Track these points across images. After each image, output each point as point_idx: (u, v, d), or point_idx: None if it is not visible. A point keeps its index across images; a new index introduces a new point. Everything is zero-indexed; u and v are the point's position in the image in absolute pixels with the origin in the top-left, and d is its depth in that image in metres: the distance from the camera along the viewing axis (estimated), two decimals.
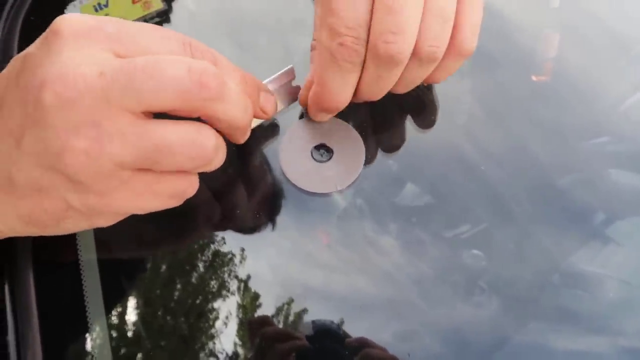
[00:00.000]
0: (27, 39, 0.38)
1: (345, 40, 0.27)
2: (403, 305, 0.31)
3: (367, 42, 0.28)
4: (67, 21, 0.24)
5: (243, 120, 0.27)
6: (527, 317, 0.31)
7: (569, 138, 0.37)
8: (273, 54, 0.39)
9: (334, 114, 0.33)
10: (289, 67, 0.33)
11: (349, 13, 0.27)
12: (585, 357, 0.30)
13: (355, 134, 0.34)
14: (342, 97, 0.30)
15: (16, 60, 0.25)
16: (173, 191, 0.26)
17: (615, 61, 0.41)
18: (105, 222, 0.27)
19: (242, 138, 0.29)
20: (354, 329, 0.30)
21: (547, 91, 0.39)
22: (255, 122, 0.33)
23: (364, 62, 0.29)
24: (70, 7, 0.39)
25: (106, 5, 0.40)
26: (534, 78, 0.39)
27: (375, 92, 0.31)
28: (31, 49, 0.25)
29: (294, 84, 0.33)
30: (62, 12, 0.39)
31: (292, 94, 0.34)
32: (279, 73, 0.33)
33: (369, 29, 0.27)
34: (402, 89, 0.32)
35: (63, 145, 0.23)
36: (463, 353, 0.30)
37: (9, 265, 0.31)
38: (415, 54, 0.28)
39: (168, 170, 0.25)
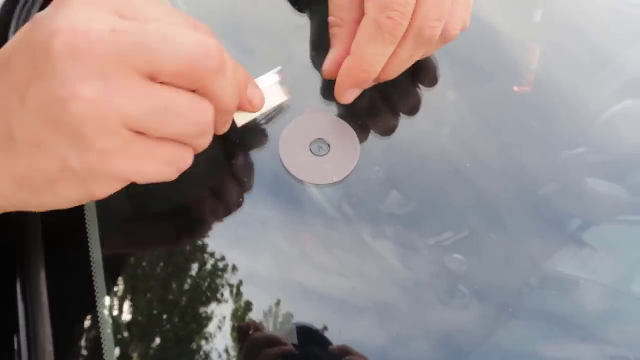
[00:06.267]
0: None
1: (394, 15, 0.30)
2: (389, 309, 0.32)
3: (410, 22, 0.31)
4: None
5: (232, 103, 0.28)
6: (507, 319, 0.32)
7: (549, 148, 0.38)
8: (272, 57, 0.40)
9: (361, 91, 0.35)
10: (277, 68, 0.34)
11: None
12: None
13: (350, 130, 0.36)
14: (376, 68, 0.33)
15: (25, 25, 0.25)
16: (170, 158, 0.26)
17: (595, 74, 0.43)
18: (102, 189, 0.26)
19: (224, 126, 0.30)
20: (341, 334, 0.31)
21: (529, 102, 0.40)
22: (245, 119, 0.34)
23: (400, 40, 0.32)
24: None
25: None
26: (515, 89, 0.40)
27: (399, 69, 0.35)
28: (41, 12, 0.24)
29: (282, 85, 0.35)
30: None
31: (280, 95, 0.35)
32: (268, 73, 0.34)
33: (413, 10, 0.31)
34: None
35: (69, 94, 0.22)
36: (446, 357, 0.31)
37: (21, 265, 0.32)
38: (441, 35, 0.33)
39: (170, 133, 0.26)
